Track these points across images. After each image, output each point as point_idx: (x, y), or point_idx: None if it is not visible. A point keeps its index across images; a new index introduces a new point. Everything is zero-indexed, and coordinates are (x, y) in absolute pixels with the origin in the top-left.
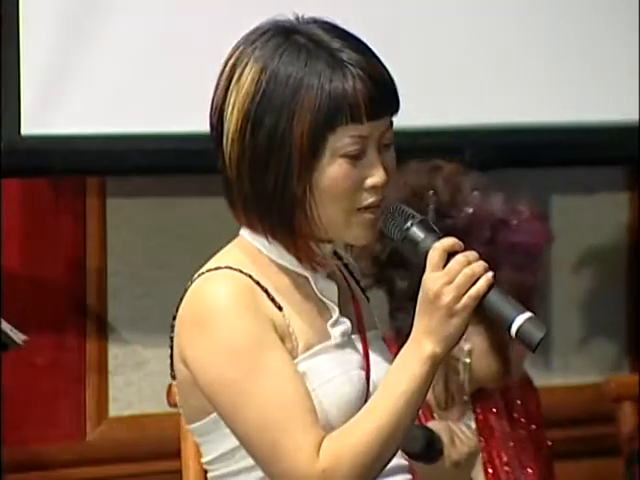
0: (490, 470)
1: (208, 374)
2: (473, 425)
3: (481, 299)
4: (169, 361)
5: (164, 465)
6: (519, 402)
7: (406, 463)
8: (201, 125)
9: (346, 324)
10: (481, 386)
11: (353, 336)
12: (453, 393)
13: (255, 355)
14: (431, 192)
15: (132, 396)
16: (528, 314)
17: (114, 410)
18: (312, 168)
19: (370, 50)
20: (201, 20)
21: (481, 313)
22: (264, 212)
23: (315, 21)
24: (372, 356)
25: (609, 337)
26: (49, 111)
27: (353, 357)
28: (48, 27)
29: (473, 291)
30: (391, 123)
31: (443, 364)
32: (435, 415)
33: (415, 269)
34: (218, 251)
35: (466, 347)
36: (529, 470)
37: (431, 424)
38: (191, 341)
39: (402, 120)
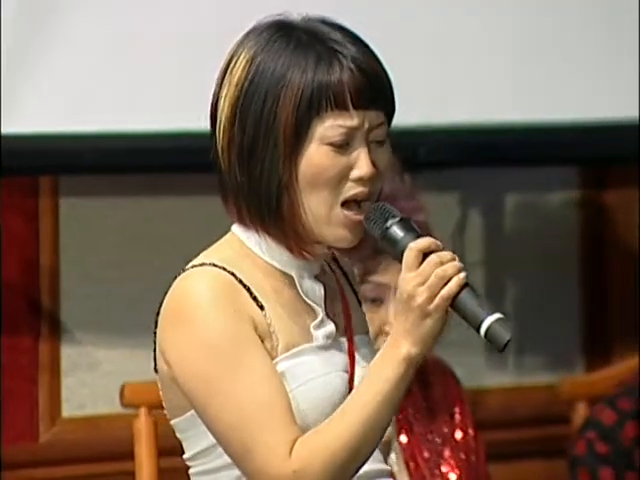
0: (412, 465)
1: (185, 370)
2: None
3: (453, 299)
4: (152, 354)
5: (118, 466)
6: (442, 392)
7: (388, 468)
8: (156, 123)
9: (330, 326)
10: None
11: (341, 338)
12: None
13: (232, 353)
14: None
15: (85, 397)
16: (497, 315)
17: (67, 411)
18: (297, 154)
19: (369, 49)
20: (162, 18)
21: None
22: (253, 200)
23: (319, 19)
24: (358, 359)
25: (563, 337)
26: (2, 110)
27: (337, 359)
28: (6, 28)
29: (444, 292)
30: (388, 122)
31: None
32: None
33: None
34: (170, 251)
35: None
36: (449, 464)
37: None
38: (170, 337)
39: None
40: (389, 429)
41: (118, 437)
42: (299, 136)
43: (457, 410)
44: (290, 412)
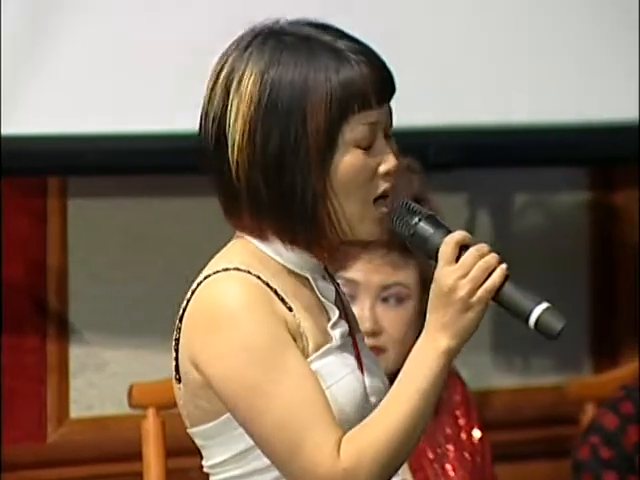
0: (416, 465)
1: (226, 375)
2: None
3: (497, 291)
4: (174, 363)
5: (126, 466)
6: (448, 394)
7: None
8: (163, 125)
9: (344, 326)
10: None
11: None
12: None
13: (272, 355)
14: None
15: (93, 397)
16: (545, 304)
17: (75, 411)
18: (329, 162)
19: (356, 37)
20: (165, 21)
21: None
22: (283, 217)
23: (297, 21)
24: (363, 358)
25: (571, 338)
26: (10, 111)
27: (351, 359)
28: (6, 28)
29: (489, 284)
30: (391, 111)
31: None
32: None
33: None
34: (178, 252)
35: None
36: (453, 465)
37: None
38: (206, 344)
39: None
40: None
41: (126, 438)
42: (331, 143)
43: (461, 411)
44: (331, 411)
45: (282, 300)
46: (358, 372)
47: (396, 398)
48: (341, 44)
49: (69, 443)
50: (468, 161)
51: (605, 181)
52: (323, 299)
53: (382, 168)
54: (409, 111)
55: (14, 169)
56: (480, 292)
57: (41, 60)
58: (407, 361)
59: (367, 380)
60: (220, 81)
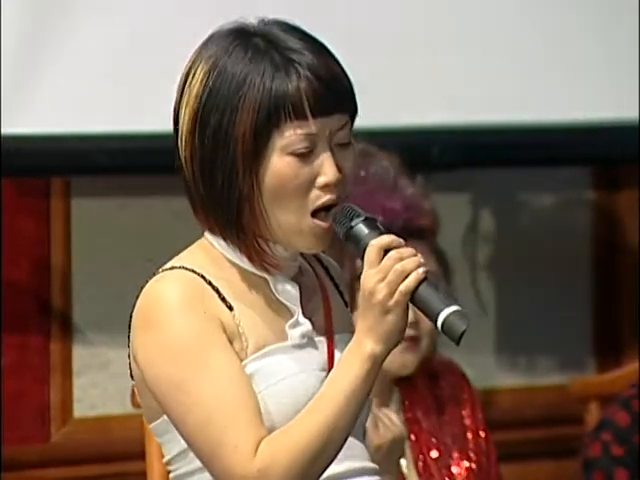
0: (421, 464)
1: (154, 373)
2: (401, 413)
3: (412, 294)
4: (128, 361)
5: (129, 466)
6: (452, 392)
7: (374, 466)
8: (166, 125)
9: (306, 325)
10: (394, 376)
11: (319, 338)
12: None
13: (198, 354)
14: None
15: (96, 397)
16: (454, 307)
17: (79, 411)
18: (257, 165)
19: (329, 52)
20: (167, 21)
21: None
22: (215, 211)
23: (277, 22)
24: (337, 358)
25: (574, 338)
26: (13, 111)
27: (314, 359)
28: (12, 27)
29: (402, 287)
30: (350, 123)
31: None
32: None
33: None
34: (182, 252)
35: None
36: (458, 465)
37: None
38: (139, 340)
39: (370, 120)
40: (402, 429)
41: (129, 437)
42: (258, 148)
43: (467, 411)
44: (257, 413)
45: (223, 299)
46: (318, 372)
47: (319, 401)
48: (295, 55)
49: (72, 442)
50: (472, 161)
51: (608, 180)
52: (281, 299)
53: (320, 180)
54: (413, 111)
55: (17, 169)
56: (396, 295)
57: (44, 60)
58: (335, 365)
59: None
60: (182, 75)
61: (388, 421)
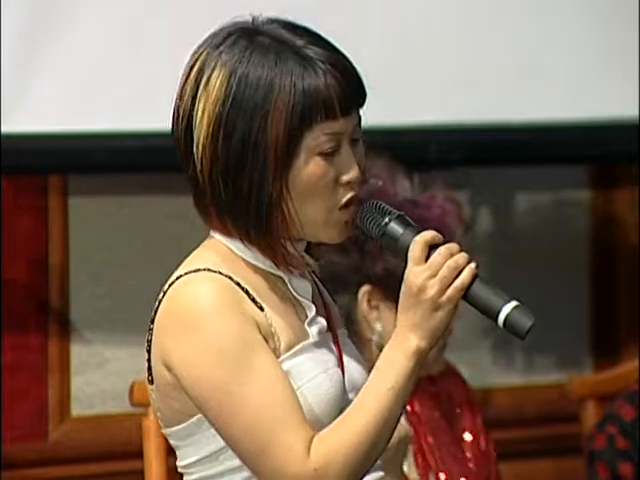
0: (420, 459)
1: (195, 376)
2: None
3: (466, 290)
4: (147, 364)
5: (127, 464)
6: (448, 392)
7: (378, 461)
8: (164, 123)
9: (322, 322)
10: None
11: (326, 334)
12: None
13: (242, 356)
14: None
15: (94, 396)
16: (515, 302)
17: (76, 410)
18: (288, 168)
19: (332, 44)
20: (165, 20)
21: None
22: (239, 216)
23: (274, 21)
24: (344, 355)
25: (572, 336)
26: (11, 110)
27: (329, 356)
28: (10, 25)
29: (458, 283)
30: (359, 117)
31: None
32: None
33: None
34: (179, 251)
35: (378, 327)
36: (458, 465)
37: None
38: (176, 344)
39: (367, 118)
40: (408, 429)
41: (127, 436)
42: (291, 150)
43: (465, 412)
44: (301, 411)
45: (253, 300)
46: (335, 369)
47: (367, 398)
48: (311, 51)
49: (70, 441)
50: (469, 159)
51: (607, 179)
52: (299, 297)
53: (345, 177)
54: (412, 109)
55: (16, 167)
56: (449, 291)
57: (43, 58)
58: (378, 360)
59: (347, 376)
60: (191, 78)
61: None
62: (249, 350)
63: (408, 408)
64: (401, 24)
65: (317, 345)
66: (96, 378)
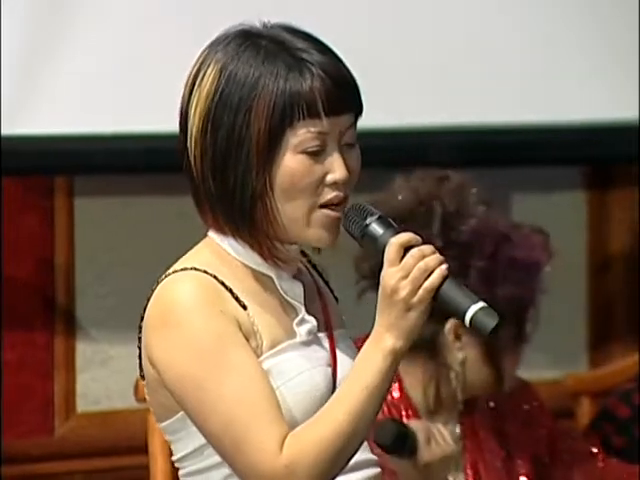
0: (470, 475)
1: (173, 373)
2: (458, 431)
3: (436, 291)
4: (138, 360)
5: (131, 460)
6: (511, 406)
7: (375, 457)
8: (168, 125)
9: (312, 322)
10: (474, 394)
11: (320, 334)
12: (443, 400)
13: (219, 353)
14: (437, 202)
15: (99, 392)
16: (481, 304)
17: (82, 406)
18: (271, 164)
19: (334, 53)
20: (168, 23)
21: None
22: (227, 210)
23: (280, 26)
24: (339, 353)
25: (568, 334)
26: (18, 112)
27: (319, 354)
28: (16, 27)
29: (427, 284)
30: (354, 124)
31: (435, 371)
32: (421, 416)
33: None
34: (185, 250)
35: (460, 356)
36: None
37: (411, 422)
38: (157, 340)
39: (365, 121)
40: (454, 448)
41: (132, 431)
42: (272, 146)
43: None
44: (278, 409)
45: (237, 299)
46: (325, 368)
47: (343, 396)
48: (306, 54)
49: (76, 437)
50: (467, 161)
51: (602, 180)
52: (288, 297)
53: (330, 177)
54: (409, 111)
55: (22, 169)
56: (420, 292)
57: (50, 61)
58: (356, 360)
59: (340, 375)
60: (190, 77)
61: (440, 438)
62: (226, 348)
63: (466, 421)
64: (400, 27)
65: (306, 344)
66: (101, 375)
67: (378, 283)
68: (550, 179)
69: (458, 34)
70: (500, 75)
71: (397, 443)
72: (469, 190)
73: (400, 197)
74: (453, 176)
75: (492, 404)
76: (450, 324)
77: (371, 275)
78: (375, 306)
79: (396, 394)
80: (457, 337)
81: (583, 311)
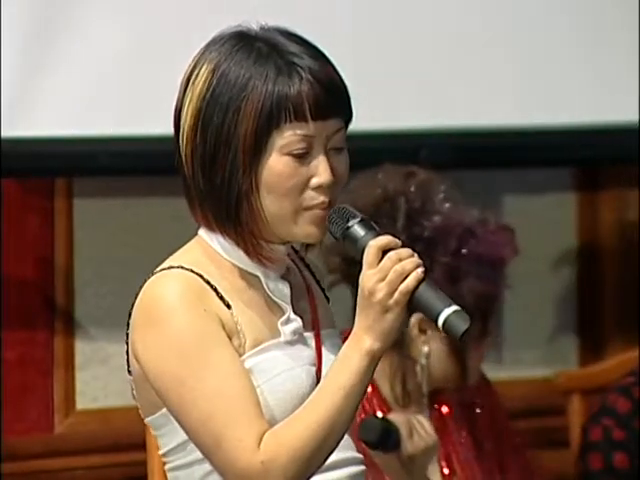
0: (444, 466)
1: (156, 369)
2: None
3: (411, 294)
4: (126, 357)
5: (129, 456)
6: (478, 401)
7: (360, 456)
8: (167, 127)
9: (297, 322)
10: (438, 387)
11: (306, 334)
12: (410, 392)
13: (200, 351)
14: (402, 198)
15: (98, 390)
16: (454, 307)
17: (81, 403)
18: (257, 164)
19: (326, 59)
20: (169, 25)
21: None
22: (214, 207)
23: (277, 29)
24: (325, 353)
25: (559, 332)
26: (18, 114)
27: (304, 354)
28: (16, 29)
29: (403, 287)
30: (344, 129)
31: (401, 364)
32: (392, 409)
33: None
34: None
35: (424, 349)
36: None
37: (392, 416)
38: (141, 337)
39: (358, 122)
40: (435, 439)
41: (130, 428)
42: (258, 147)
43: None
44: (258, 406)
45: (221, 298)
46: (309, 367)
47: (320, 395)
48: (297, 58)
49: (75, 434)
50: (459, 163)
51: (593, 181)
52: (274, 297)
53: (314, 181)
54: (402, 113)
55: (23, 170)
56: (396, 295)
57: (47, 63)
58: (334, 360)
59: (324, 374)
60: (184, 76)
61: (421, 429)
62: (208, 346)
63: (445, 409)
64: (394, 30)
65: (290, 344)
66: (100, 373)
67: (347, 277)
68: (542, 181)
69: (451, 37)
70: (497, 77)
71: (382, 439)
72: (435, 187)
73: (366, 192)
74: (419, 172)
75: (459, 397)
76: (414, 318)
77: (339, 269)
78: (350, 302)
79: (369, 388)
80: (422, 331)
81: (573, 310)
